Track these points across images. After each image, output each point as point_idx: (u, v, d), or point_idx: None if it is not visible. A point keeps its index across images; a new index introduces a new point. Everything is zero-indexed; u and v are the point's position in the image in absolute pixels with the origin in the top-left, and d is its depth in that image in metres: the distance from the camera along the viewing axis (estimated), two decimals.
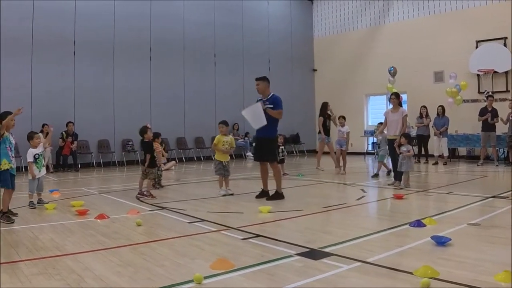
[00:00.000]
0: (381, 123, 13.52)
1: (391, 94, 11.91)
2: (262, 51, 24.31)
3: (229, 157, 10.59)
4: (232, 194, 10.28)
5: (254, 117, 9.65)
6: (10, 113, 7.79)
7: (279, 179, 9.87)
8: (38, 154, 9.00)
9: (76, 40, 18.34)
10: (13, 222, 7.38)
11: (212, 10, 22.42)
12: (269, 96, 9.72)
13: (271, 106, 9.56)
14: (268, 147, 9.78)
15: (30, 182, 9.02)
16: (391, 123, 11.59)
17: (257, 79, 9.87)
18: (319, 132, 15.46)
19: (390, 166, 12.95)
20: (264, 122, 9.44)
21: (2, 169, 7.59)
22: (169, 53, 20.80)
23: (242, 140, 22.26)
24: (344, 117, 14.96)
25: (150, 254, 5.47)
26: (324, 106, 15.63)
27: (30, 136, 8.93)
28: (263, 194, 9.85)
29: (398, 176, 11.24)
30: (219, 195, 10.20)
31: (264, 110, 9.43)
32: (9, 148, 7.74)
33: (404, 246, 5.66)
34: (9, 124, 7.76)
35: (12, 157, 7.82)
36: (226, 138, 10.49)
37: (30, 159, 8.89)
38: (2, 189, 7.84)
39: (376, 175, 13.64)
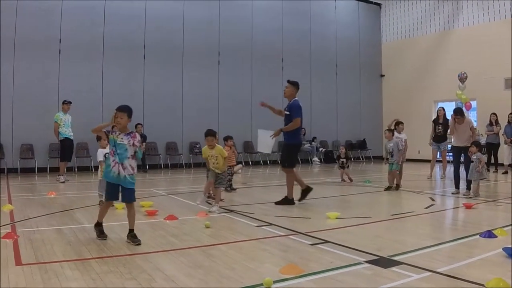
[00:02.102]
0: (387, 130, 12.70)
1: (455, 114, 11.09)
2: (330, 56, 24.28)
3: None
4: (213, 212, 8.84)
5: (263, 142, 10.18)
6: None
7: (291, 185, 9.83)
8: (108, 154, 9.12)
9: (146, 44, 18.81)
10: (104, 239, 6.39)
11: (280, 16, 22.57)
12: (291, 101, 9.80)
13: (288, 112, 9.69)
14: (288, 152, 9.90)
15: (101, 181, 9.04)
16: (456, 133, 11.32)
17: (288, 81, 9.99)
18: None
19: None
20: (268, 151, 10.74)
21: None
22: (237, 58, 21.10)
23: (309, 145, 22.15)
24: (402, 123, 13.51)
25: (220, 257, 5.54)
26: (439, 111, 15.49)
27: (99, 137, 8.97)
28: (284, 201, 9.78)
29: (467, 184, 11.00)
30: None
31: (281, 130, 9.65)
32: (112, 152, 6.51)
33: (475, 257, 5.55)
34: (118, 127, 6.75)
35: (116, 162, 6.37)
36: (212, 152, 9.08)
37: (100, 158, 8.94)
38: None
39: (389, 188, 12.16)
